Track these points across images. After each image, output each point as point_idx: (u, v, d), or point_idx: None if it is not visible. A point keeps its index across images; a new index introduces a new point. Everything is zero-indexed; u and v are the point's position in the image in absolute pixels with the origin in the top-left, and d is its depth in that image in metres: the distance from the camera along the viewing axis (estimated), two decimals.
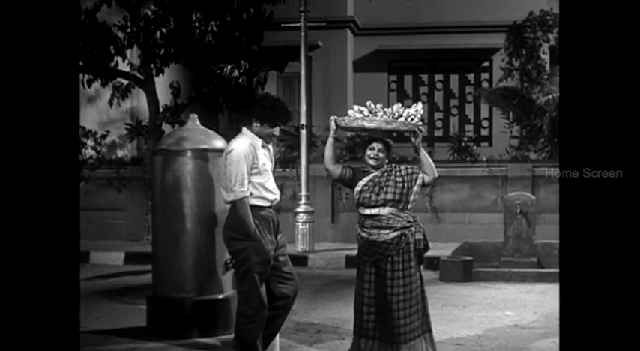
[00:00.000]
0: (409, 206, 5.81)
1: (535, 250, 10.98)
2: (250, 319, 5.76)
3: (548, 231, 12.56)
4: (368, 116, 5.77)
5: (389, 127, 5.71)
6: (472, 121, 18.87)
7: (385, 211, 5.74)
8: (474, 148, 15.16)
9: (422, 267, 6.01)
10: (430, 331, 5.92)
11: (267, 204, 5.86)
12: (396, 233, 5.71)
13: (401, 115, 5.75)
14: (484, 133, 18.73)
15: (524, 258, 10.86)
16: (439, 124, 18.87)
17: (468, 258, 10.69)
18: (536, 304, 8.78)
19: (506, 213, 11.12)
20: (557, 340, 6.47)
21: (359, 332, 5.84)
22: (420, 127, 5.81)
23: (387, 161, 5.90)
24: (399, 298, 5.70)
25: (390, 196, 5.73)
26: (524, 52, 17.94)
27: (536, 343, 6.93)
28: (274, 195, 5.93)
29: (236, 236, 5.76)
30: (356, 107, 5.89)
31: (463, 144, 14.80)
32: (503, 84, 17.25)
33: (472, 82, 18.85)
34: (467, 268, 10.47)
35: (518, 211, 10.89)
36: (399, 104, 5.91)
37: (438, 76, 18.92)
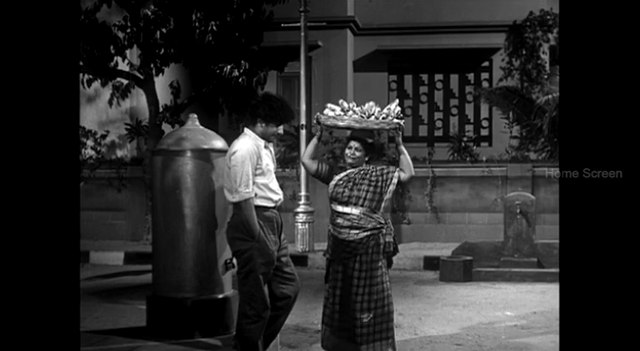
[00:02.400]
0: (382, 206, 5.80)
1: (535, 250, 10.98)
2: (252, 320, 5.76)
3: (548, 231, 12.56)
4: (339, 115, 5.79)
5: (358, 125, 5.73)
6: (472, 121, 18.86)
7: (357, 210, 5.74)
8: (474, 148, 15.16)
9: (389, 270, 5.96)
10: (393, 337, 5.86)
11: (272, 204, 5.87)
12: (365, 233, 5.71)
13: (372, 114, 5.75)
14: (484, 133, 18.72)
15: (524, 258, 10.86)
16: (439, 124, 18.86)
17: (468, 258, 10.69)
18: (536, 304, 8.78)
19: (506, 213, 11.12)
20: (557, 339, 6.47)
21: (323, 321, 5.91)
22: (397, 126, 5.79)
23: (366, 160, 5.90)
24: (364, 298, 5.69)
25: (362, 194, 5.74)
26: (524, 52, 17.94)
27: (536, 343, 6.93)
28: (278, 195, 5.94)
29: (240, 236, 5.75)
30: (330, 105, 5.90)
31: (463, 144, 14.81)
32: (503, 84, 17.23)
33: (472, 81, 18.84)
34: (467, 268, 10.48)
35: (518, 211, 10.89)
36: (372, 103, 5.90)
37: (438, 76, 18.91)
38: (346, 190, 5.78)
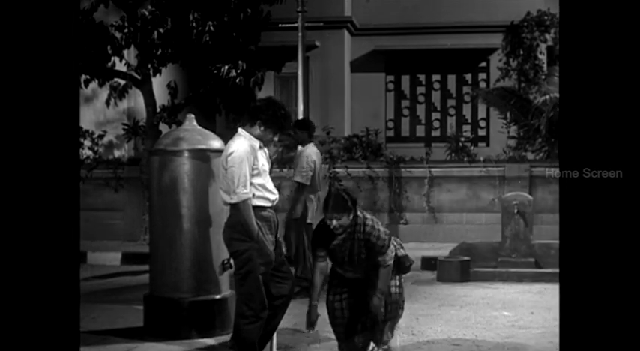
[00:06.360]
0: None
1: (532, 250, 10.97)
2: (250, 321, 5.76)
3: (546, 231, 12.56)
4: None
5: None
6: (469, 121, 18.88)
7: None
8: (472, 148, 15.17)
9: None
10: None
11: (269, 204, 5.87)
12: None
13: None
14: (481, 133, 18.74)
15: (521, 258, 10.86)
16: (436, 124, 18.87)
17: (466, 258, 10.69)
18: (534, 304, 8.78)
19: (503, 213, 11.12)
20: (554, 339, 6.48)
21: None
22: None
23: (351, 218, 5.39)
24: None
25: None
26: (521, 53, 17.98)
27: (533, 344, 6.92)
28: (275, 195, 5.94)
29: (238, 237, 5.75)
30: None
31: (460, 144, 14.81)
32: (500, 84, 17.28)
33: (469, 82, 18.86)
34: (464, 268, 10.47)
35: (516, 211, 10.89)
36: None
37: (436, 77, 18.92)
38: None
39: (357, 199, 5.50)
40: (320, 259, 5.57)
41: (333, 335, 7.09)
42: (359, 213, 5.45)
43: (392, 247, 5.53)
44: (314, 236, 5.65)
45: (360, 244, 5.41)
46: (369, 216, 5.54)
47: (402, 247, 5.81)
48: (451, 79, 18.94)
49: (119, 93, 15.01)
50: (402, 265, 5.76)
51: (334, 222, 5.34)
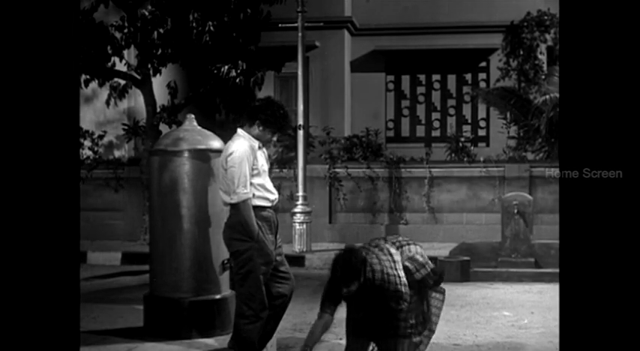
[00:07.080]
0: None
1: (532, 250, 10.99)
2: (250, 321, 5.76)
3: (546, 231, 12.57)
4: None
5: None
6: (469, 121, 18.88)
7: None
8: (472, 148, 15.18)
9: None
10: None
11: (269, 204, 5.88)
12: None
13: None
14: (481, 133, 18.74)
15: (521, 258, 10.87)
16: (436, 124, 18.87)
17: (466, 258, 10.70)
18: (534, 304, 8.78)
19: (503, 213, 11.13)
20: (554, 340, 6.48)
21: None
22: None
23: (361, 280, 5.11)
24: None
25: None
26: (521, 53, 17.97)
27: (533, 344, 6.93)
28: (274, 195, 5.95)
29: (238, 237, 5.75)
30: None
31: (460, 144, 14.82)
32: (500, 84, 17.28)
33: (469, 82, 18.85)
34: (464, 268, 10.48)
35: (516, 211, 10.89)
36: None
37: (436, 77, 18.92)
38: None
39: (365, 257, 5.14)
40: (328, 312, 5.26)
41: (332, 336, 7.12)
42: (367, 266, 5.11)
43: (407, 292, 5.16)
44: (326, 289, 5.33)
45: (372, 290, 5.15)
46: (375, 260, 5.18)
47: (423, 267, 5.31)
48: (451, 79, 18.93)
49: (119, 93, 15.01)
50: (425, 284, 5.35)
51: (344, 289, 5.08)
